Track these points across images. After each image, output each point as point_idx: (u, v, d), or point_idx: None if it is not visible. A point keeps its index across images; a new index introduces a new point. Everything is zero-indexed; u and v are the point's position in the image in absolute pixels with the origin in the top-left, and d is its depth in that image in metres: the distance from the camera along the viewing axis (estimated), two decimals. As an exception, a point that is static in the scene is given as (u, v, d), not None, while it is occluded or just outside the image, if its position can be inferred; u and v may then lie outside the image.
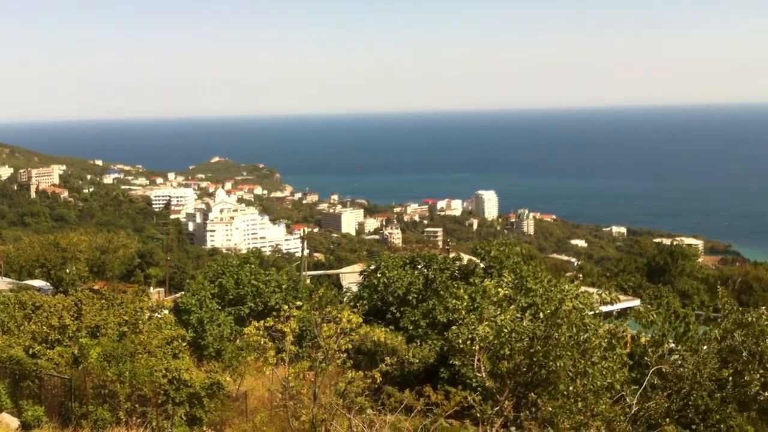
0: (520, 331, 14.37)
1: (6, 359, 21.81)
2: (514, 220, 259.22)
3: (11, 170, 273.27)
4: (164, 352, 22.71)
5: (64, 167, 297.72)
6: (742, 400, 17.01)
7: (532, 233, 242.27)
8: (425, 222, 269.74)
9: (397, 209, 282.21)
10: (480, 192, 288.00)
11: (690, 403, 20.52)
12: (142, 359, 21.59)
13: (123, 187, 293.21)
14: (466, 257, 39.40)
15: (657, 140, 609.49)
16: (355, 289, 39.44)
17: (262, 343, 16.72)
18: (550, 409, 14.03)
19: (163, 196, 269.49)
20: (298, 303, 21.31)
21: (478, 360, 15.02)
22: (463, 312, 15.55)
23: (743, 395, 16.73)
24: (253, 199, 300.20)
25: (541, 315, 14.72)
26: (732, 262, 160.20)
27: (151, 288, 66.65)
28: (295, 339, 19.21)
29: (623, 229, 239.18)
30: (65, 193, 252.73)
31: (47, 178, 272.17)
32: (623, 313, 42.68)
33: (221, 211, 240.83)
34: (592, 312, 18.81)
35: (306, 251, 77.64)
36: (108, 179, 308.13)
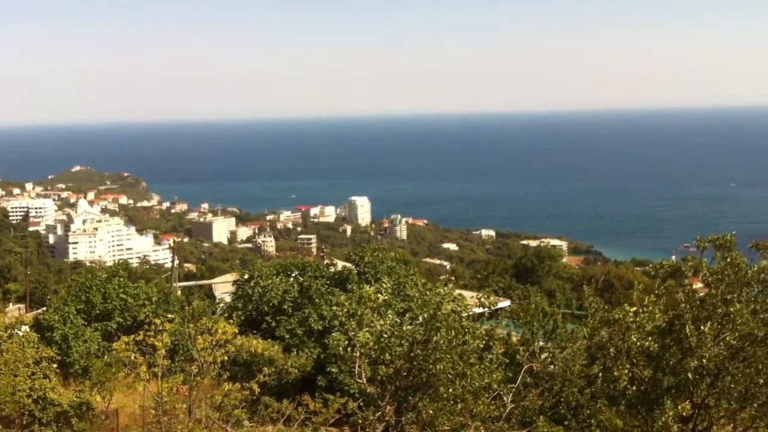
0: (401, 336, 14.38)
1: None
2: (387, 225, 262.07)
3: None
4: (32, 371, 21.45)
5: None
6: (611, 394, 17.64)
7: (405, 238, 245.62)
8: (299, 229, 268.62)
9: (270, 217, 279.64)
10: (353, 198, 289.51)
11: (562, 399, 21.20)
12: (3, 379, 20.31)
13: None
14: (340, 263, 39.31)
15: (526, 144, 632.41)
16: (228, 299, 38.60)
17: (132, 358, 16.01)
18: (431, 411, 14.11)
19: (20, 208, 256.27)
20: (170, 316, 20.62)
21: (359, 366, 14.92)
22: (344, 318, 15.42)
23: (612, 390, 17.35)
24: (117, 209, 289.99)
25: (420, 319, 14.78)
26: (594, 261, 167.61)
27: (11, 304, 63.06)
28: (167, 353, 18.56)
29: (492, 232, 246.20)
30: None
31: None
32: (494, 314, 43.68)
33: (84, 222, 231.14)
34: (467, 314, 19.10)
35: (176, 262, 75.51)
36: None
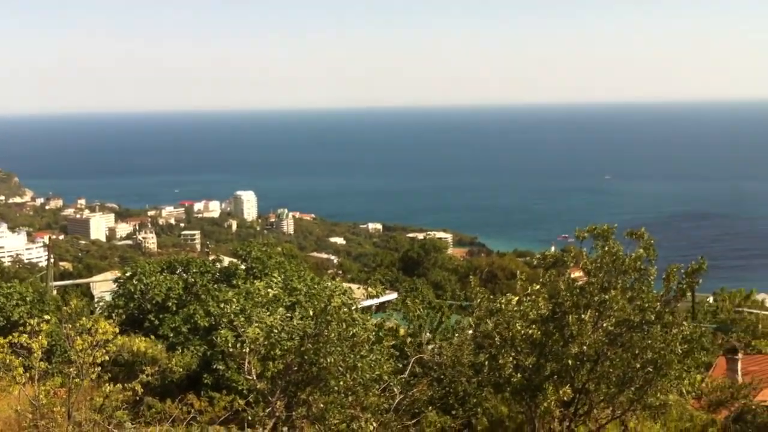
0: (291, 331, 14.24)
1: None
2: (273, 220, 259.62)
3: None
4: None
5: None
6: (496, 382, 18.06)
7: (292, 233, 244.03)
8: (182, 225, 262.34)
9: (151, 213, 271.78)
10: (239, 192, 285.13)
11: (450, 389, 21.60)
12: None
13: None
14: (226, 259, 38.64)
15: (413, 139, 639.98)
16: (108, 297, 37.26)
17: (7, 361, 15.21)
18: (322, 405, 14.04)
19: None
20: (46, 317, 19.71)
21: (248, 362, 14.68)
22: (232, 315, 15.13)
23: (498, 378, 17.77)
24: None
25: (311, 312, 14.69)
26: (478, 253, 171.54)
27: None
28: (44, 355, 17.74)
29: (379, 226, 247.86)
30: None
31: None
32: (382, 307, 44.06)
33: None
34: (356, 307, 19.11)
35: (51, 260, 72.37)
36: None
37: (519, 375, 17.44)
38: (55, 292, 52.04)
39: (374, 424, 15.06)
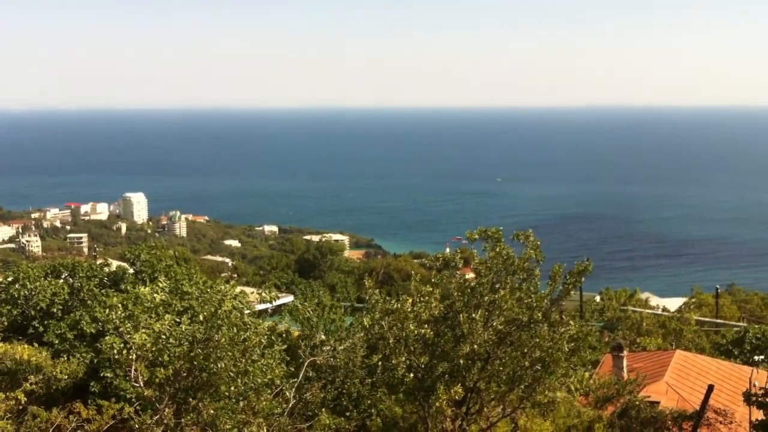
0: (179, 336, 13.91)
1: None
2: (165, 222, 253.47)
3: None
4: None
5: None
6: (390, 383, 18.17)
7: (185, 235, 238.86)
8: (68, 228, 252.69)
9: (35, 215, 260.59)
10: (128, 194, 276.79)
11: (344, 391, 21.62)
12: None
13: None
14: (115, 263, 37.47)
15: (311, 141, 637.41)
16: (-12, 304, 35.47)
17: None
18: (212, 411, 13.79)
19: None
20: None
21: (135, 370, 14.25)
22: (117, 321, 14.66)
23: (391, 379, 17.88)
24: None
25: (201, 317, 14.39)
26: (375, 255, 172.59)
27: None
28: None
29: (275, 228, 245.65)
30: None
31: None
32: (278, 310, 43.67)
33: None
34: (250, 311, 18.90)
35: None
36: None
37: (412, 375, 17.60)
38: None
39: (266, 429, 14.90)
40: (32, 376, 16.33)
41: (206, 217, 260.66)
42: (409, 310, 17.81)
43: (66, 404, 18.59)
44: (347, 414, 20.89)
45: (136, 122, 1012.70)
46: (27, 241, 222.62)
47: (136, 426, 13.71)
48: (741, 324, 59.21)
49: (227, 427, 13.81)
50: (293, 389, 18.16)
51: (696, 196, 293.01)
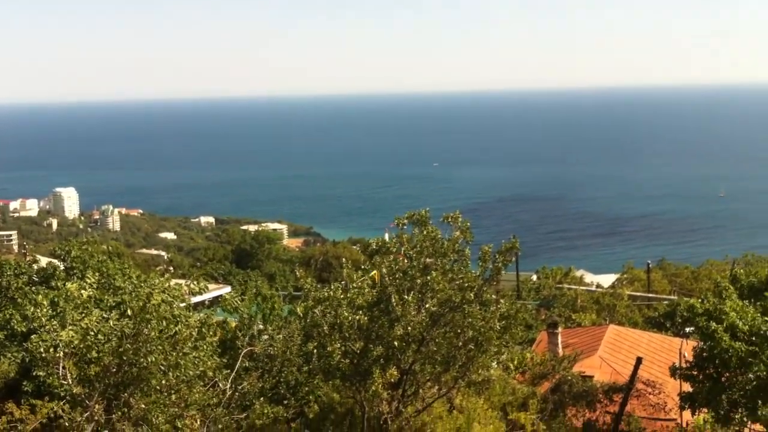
0: (108, 332, 13.75)
1: None
2: (98, 217, 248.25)
3: None
4: None
5: None
6: (326, 369, 18.27)
7: (118, 229, 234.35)
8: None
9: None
10: (58, 189, 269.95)
11: (281, 379, 21.64)
12: None
13: None
14: (45, 260, 36.65)
15: (246, 130, 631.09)
16: None
17: None
18: (143, 406, 13.69)
19: None
20: None
21: (64, 367, 14.04)
22: (44, 319, 14.40)
23: (327, 365, 17.98)
24: None
25: (129, 312, 14.25)
26: (314, 242, 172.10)
27: None
28: None
29: (212, 219, 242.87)
30: None
31: None
32: (215, 301, 43.35)
33: None
34: (184, 303, 18.76)
35: None
36: None
37: (347, 361, 17.73)
38: None
39: (200, 421, 14.85)
40: (-40, 378, 15.92)
41: (140, 211, 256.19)
42: (342, 296, 17.89)
43: (-2, 405, 18.21)
44: (285, 402, 20.93)
45: (66, 116, 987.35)
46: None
47: (66, 423, 13.53)
48: (672, 297, 60.96)
49: (160, 420, 13.73)
50: (229, 380, 18.12)
51: (632, 175, 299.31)
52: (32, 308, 15.70)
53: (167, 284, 15.90)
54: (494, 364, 22.88)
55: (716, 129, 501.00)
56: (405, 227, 19.74)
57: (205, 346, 15.48)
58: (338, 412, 19.76)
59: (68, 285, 15.75)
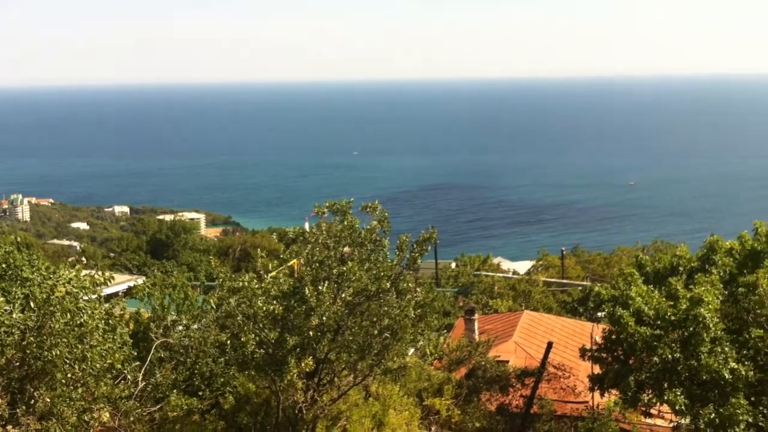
0: (10, 325, 13.27)
1: None
2: (6, 207, 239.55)
3: None
4: None
5: None
6: (241, 360, 18.11)
7: (28, 219, 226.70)
8: None
9: None
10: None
11: (196, 371, 21.34)
12: None
13: None
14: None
15: (161, 118, 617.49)
16: None
17: None
18: (48, 400, 13.30)
19: None
20: None
21: (-38, 363, 13.50)
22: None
23: (242, 356, 17.82)
24: None
25: (32, 304, 13.79)
26: (233, 232, 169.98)
27: None
28: None
29: (126, 209, 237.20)
30: None
31: None
32: (129, 292, 42.43)
33: None
34: (95, 296, 18.30)
35: None
36: None
37: (262, 351, 17.60)
38: None
39: (110, 414, 14.53)
40: None
41: (51, 200, 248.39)
42: (257, 286, 17.75)
43: None
44: (200, 393, 20.66)
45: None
46: None
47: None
48: (585, 283, 62.64)
49: (68, 414, 13.36)
50: (141, 372, 17.77)
51: (551, 164, 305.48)
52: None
53: (73, 275, 15.43)
54: (411, 351, 23.14)
55: (635, 119, 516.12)
56: (325, 216, 19.70)
57: (115, 338, 15.12)
58: (254, 402, 19.62)
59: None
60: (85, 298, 14.86)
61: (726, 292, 21.57)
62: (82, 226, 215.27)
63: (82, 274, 16.33)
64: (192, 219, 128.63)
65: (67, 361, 13.40)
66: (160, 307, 22.24)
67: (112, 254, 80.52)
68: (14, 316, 13.13)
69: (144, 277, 51.42)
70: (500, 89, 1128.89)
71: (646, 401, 20.64)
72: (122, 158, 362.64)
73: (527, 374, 24.23)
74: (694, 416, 19.30)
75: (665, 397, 19.74)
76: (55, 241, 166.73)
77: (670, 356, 19.85)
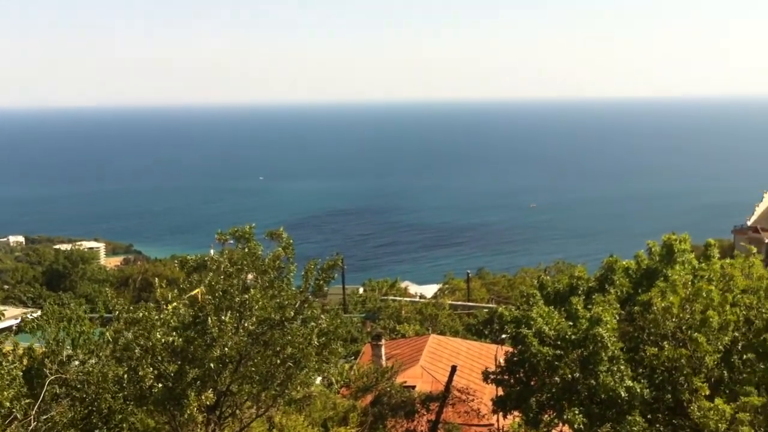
0: None
1: None
2: None
3: None
4: None
5: None
6: (139, 395, 17.53)
7: None
8: None
9: None
10: None
11: (94, 407, 20.49)
12: None
13: None
14: None
15: (64, 143, 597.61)
16: None
17: None
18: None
19: None
20: None
21: None
22: None
23: (140, 390, 17.26)
24: None
25: None
26: (135, 261, 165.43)
27: None
28: None
29: (21, 238, 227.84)
30: None
31: None
32: (23, 328, 40.62)
33: None
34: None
35: None
36: None
37: (161, 385, 17.08)
38: None
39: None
40: None
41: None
42: (155, 317, 17.25)
43: None
44: (97, 431, 19.85)
45: None
46: None
47: None
48: (490, 305, 63.62)
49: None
50: (33, 410, 16.96)
51: (458, 187, 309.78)
52: None
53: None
54: (317, 380, 22.89)
55: (543, 141, 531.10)
56: (229, 243, 19.35)
57: (2, 373, 14.38)
58: (153, 438, 18.99)
59: None
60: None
61: (623, 312, 22.18)
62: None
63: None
64: (91, 248, 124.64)
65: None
66: (54, 341, 21.32)
67: (6, 287, 77.16)
68: None
69: (39, 311, 49.40)
70: (417, 112, 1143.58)
71: (547, 421, 20.97)
72: (16, 184, 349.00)
73: (432, 399, 24.30)
74: (593, 435, 19.70)
75: (565, 418, 20.08)
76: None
77: (570, 376, 20.25)
